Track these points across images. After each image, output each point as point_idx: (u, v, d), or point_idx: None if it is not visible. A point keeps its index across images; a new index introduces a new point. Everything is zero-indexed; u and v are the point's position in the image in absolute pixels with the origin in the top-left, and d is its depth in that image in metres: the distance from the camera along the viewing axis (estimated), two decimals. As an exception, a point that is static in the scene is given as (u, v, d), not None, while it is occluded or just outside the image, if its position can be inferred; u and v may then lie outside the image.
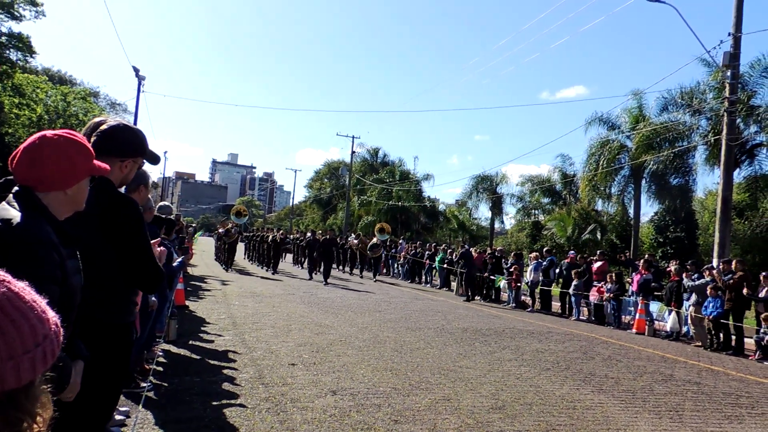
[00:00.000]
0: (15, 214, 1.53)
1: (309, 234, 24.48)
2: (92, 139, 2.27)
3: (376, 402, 5.32)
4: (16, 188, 1.64)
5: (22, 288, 0.95)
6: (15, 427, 0.91)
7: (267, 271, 22.50)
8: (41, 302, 0.98)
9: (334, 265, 24.14)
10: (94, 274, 2.08)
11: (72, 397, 1.74)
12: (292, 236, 31.04)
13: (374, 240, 24.47)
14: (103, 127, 2.32)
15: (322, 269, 20.65)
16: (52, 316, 0.99)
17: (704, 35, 57.10)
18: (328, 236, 21.62)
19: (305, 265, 26.64)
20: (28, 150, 1.63)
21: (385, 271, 26.55)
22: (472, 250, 20.03)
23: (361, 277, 23.71)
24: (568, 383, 6.79)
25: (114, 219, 2.19)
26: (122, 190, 2.45)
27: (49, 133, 1.68)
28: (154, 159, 2.58)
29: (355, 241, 25.53)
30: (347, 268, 26.36)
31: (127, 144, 2.35)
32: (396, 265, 26.57)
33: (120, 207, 2.22)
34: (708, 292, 11.41)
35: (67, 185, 1.68)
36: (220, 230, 24.07)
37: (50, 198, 1.65)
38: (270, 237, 23.49)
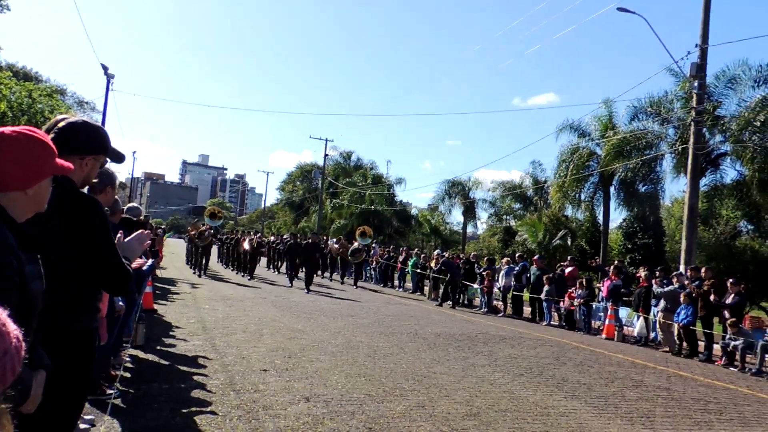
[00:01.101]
0: None
1: (288, 237, 23.08)
2: (51, 136, 2.15)
3: (350, 409, 5.24)
4: None
5: None
6: None
7: (243, 276, 21.22)
8: (1, 315, 0.90)
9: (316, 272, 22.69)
10: (56, 279, 1.96)
11: (33, 410, 1.63)
12: (266, 239, 29.70)
13: (356, 244, 23.53)
14: (62, 124, 2.21)
15: (303, 275, 19.32)
16: (12, 329, 0.91)
17: (672, 45, 58.72)
18: (310, 240, 20.11)
19: (282, 269, 25.28)
20: None
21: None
22: (435, 254, 20.21)
23: (342, 283, 22.85)
24: (541, 389, 6.81)
25: (77, 220, 2.08)
26: (86, 190, 2.33)
27: (7, 129, 1.56)
28: (118, 157, 2.48)
29: (336, 246, 24.64)
30: (326, 274, 25.40)
31: (87, 141, 2.24)
32: (368, 269, 26.34)
33: (82, 207, 2.11)
34: (681, 299, 11.59)
35: (27, 185, 1.56)
36: (192, 232, 22.56)
37: (9, 199, 1.53)
38: (246, 241, 22.02)
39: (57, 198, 2.01)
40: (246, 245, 21.43)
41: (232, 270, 23.92)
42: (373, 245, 26.76)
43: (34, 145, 1.57)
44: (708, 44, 15.57)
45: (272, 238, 30.58)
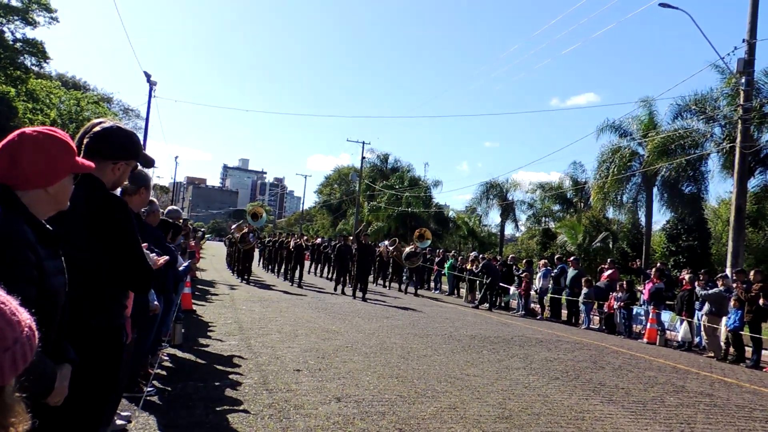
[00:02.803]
0: None
1: (337, 240, 20.93)
2: (85, 141, 2.23)
3: (381, 410, 5.24)
4: None
5: None
6: None
7: (290, 284, 18.97)
8: (12, 303, 0.92)
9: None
10: (82, 276, 2.04)
11: (59, 402, 1.69)
12: (310, 242, 26.91)
13: (411, 247, 21.06)
14: (96, 129, 2.29)
15: (353, 282, 17.35)
16: (24, 318, 0.94)
17: (717, 42, 56.78)
18: (363, 241, 17.15)
19: (331, 276, 22.62)
20: (6, 147, 1.58)
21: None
22: (482, 257, 19.93)
23: (401, 290, 20.53)
24: (577, 393, 6.67)
25: (103, 219, 2.15)
26: (118, 191, 2.41)
27: (28, 129, 1.63)
28: (148, 162, 2.55)
29: (391, 248, 21.82)
30: (380, 281, 22.90)
31: (119, 146, 2.31)
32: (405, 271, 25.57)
33: (108, 207, 2.18)
34: (732, 304, 11.19)
35: (48, 183, 1.63)
36: (236, 234, 20.58)
37: (31, 196, 1.59)
38: (291, 243, 19.87)
39: (86, 198, 2.08)
40: (292, 246, 19.56)
41: (275, 276, 22.37)
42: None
43: (54, 145, 1.63)
44: (756, 39, 15.02)
45: (317, 240, 28.74)
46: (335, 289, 17.76)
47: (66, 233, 1.82)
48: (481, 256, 21.03)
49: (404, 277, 21.60)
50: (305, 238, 23.31)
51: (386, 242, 23.69)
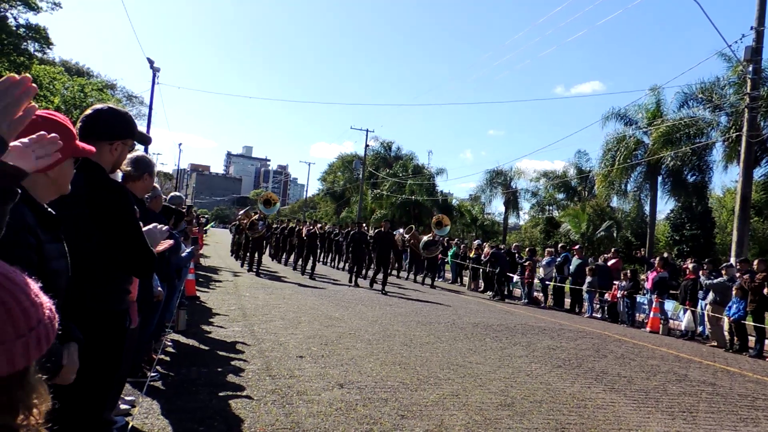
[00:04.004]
0: None
1: (352, 227, 19.27)
2: (78, 125, 2.21)
3: (383, 396, 5.26)
4: None
5: (13, 271, 0.91)
6: (9, 417, 0.86)
7: (302, 274, 17.75)
8: (34, 286, 0.94)
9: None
10: (85, 261, 2.03)
11: (70, 380, 1.69)
12: (323, 230, 23.41)
13: (428, 236, 19.54)
14: (88, 111, 2.27)
15: (371, 272, 16.50)
16: (46, 301, 0.96)
17: (724, 29, 56.20)
18: (382, 228, 16.05)
19: (344, 266, 21.34)
20: None
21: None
22: (485, 245, 19.90)
23: (417, 281, 19.69)
24: (579, 381, 6.68)
25: (103, 204, 2.14)
26: (119, 176, 2.40)
27: None
28: (144, 140, 2.53)
29: (407, 236, 20.33)
30: (393, 271, 20.29)
31: (113, 126, 2.29)
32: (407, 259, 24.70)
33: (107, 192, 2.17)
34: (734, 293, 11.16)
35: (47, 167, 1.62)
36: (244, 221, 18.80)
37: (30, 180, 1.58)
38: (304, 231, 18.31)
39: (86, 183, 2.07)
40: (305, 234, 18.15)
41: (284, 266, 21.25)
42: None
43: (53, 128, 1.61)
44: (765, 26, 14.85)
45: (327, 227, 26.38)
46: (350, 281, 16.49)
47: (67, 218, 1.81)
48: (484, 244, 21.00)
49: (420, 268, 20.41)
50: (319, 225, 20.79)
51: (401, 230, 22.05)
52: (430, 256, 19.01)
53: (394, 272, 20.37)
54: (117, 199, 2.18)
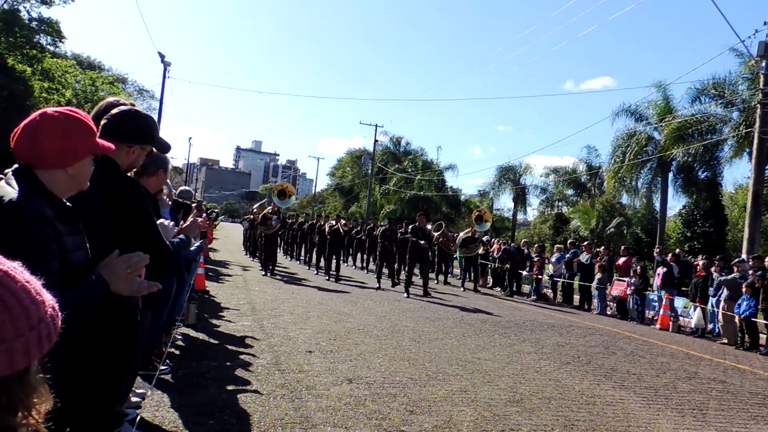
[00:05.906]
0: (10, 192, 1.48)
1: (382, 224, 17.71)
2: (102, 122, 2.23)
3: (392, 391, 5.27)
4: (15, 166, 1.60)
5: (13, 267, 0.89)
6: (8, 416, 0.85)
7: (325, 277, 15.54)
8: (35, 283, 0.92)
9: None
10: (100, 256, 2.05)
11: (143, 290, 1.82)
12: (347, 226, 19.77)
13: (466, 232, 17.73)
14: (114, 111, 2.29)
15: (399, 272, 15.23)
16: (48, 298, 0.93)
17: (737, 24, 55.58)
18: (420, 224, 14.37)
19: (370, 265, 19.33)
20: (28, 127, 1.59)
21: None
22: (494, 241, 19.83)
23: (446, 283, 18.08)
24: (588, 378, 6.66)
25: (116, 200, 2.16)
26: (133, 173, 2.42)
27: (50, 110, 1.63)
28: (164, 147, 2.55)
29: (436, 233, 17.31)
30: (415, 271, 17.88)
31: (136, 130, 2.31)
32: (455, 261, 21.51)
33: (121, 188, 2.19)
34: (744, 290, 11.07)
35: (67, 163, 1.63)
36: (258, 214, 17.28)
37: (50, 176, 1.60)
38: (327, 227, 15.96)
39: (102, 180, 2.09)
40: (327, 232, 15.75)
41: (300, 264, 19.87)
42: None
43: (75, 125, 1.63)
44: (778, 21, 14.68)
45: (350, 224, 21.64)
46: (378, 283, 14.71)
47: (83, 213, 1.83)
48: (493, 240, 20.94)
49: (457, 269, 18.59)
50: (343, 222, 18.22)
51: (429, 226, 18.30)
52: (469, 254, 17.08)
53: (432, 275, 17.33)
54: (131, 194, 2.20)
